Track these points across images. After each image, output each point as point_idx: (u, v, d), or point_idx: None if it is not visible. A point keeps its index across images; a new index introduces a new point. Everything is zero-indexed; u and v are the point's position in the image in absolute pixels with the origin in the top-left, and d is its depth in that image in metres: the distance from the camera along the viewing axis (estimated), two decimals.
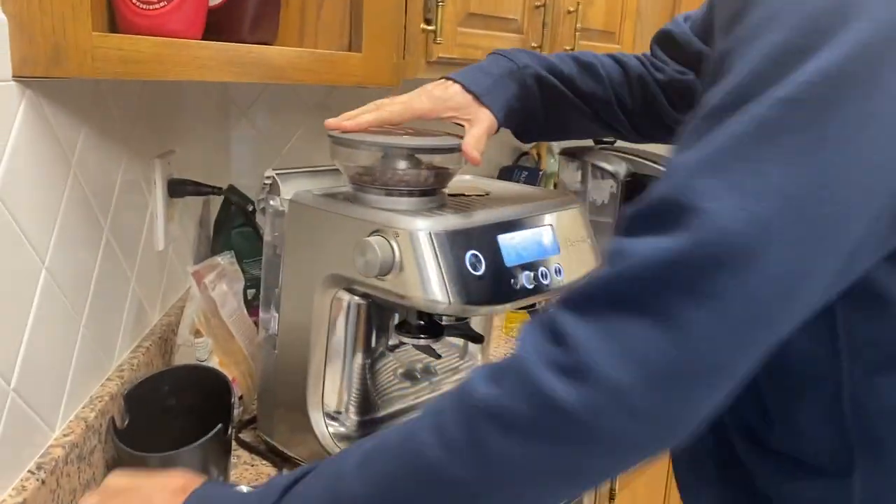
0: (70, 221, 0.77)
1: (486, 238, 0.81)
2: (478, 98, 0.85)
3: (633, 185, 1.66)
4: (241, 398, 1.03)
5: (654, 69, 0.94)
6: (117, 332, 0.92)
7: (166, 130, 1.11)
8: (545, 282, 0.86)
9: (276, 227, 0.92)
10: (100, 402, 0.83)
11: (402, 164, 0.84)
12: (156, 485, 0.68)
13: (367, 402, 0.92)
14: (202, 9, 0.81)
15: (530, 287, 0.83)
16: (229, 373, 1.01)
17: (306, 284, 0.88)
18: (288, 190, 0.92)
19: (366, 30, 0.93)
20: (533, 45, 1.46)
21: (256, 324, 1.27)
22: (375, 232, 0.78)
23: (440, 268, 0.76)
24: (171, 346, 1.07)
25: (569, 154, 1.73)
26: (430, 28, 1.06)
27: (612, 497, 1.31)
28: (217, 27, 0.84)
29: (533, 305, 0.91)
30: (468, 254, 0.79)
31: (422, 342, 0.87)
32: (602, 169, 1.67)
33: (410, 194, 0.84)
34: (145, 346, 0.99)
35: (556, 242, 0.89)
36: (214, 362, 0.99)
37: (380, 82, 0.96)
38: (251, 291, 1.30)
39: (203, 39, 0.82)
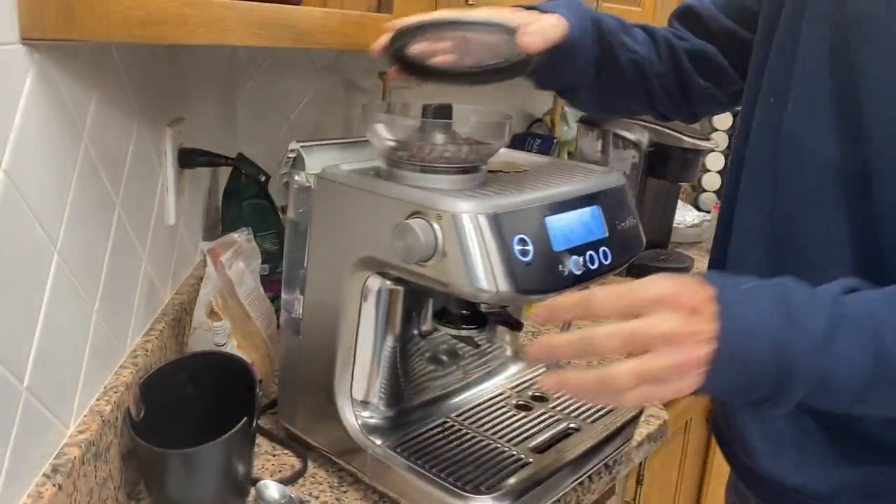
0: (81, 198, 0.71)
1: (533, 220, 0.75)
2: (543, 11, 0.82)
3: (657, 155, 1.60)
4: (260, 382, 0.97)
5: (677, 37, 0.95)
6: (130, 315, 0.86)
7: (175, 96, 1.03)
8: (593, 267, 0.80)
9: (301, 203, 0.86)
10: (115, 392, 0.77)
11: (441, 138, 0.77)
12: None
13: (397, 390, 0.87)
14: None
15: (578, 273, 0.77)
16: (248, 356, 0.95)
17: (335, 267, 0.82)
18: (313, 164, 0.85)
19: None
20: None
21: (275, 296, 1.21)
22: (415, 214, 0.72)
23: (487, 253, 0.70)
24: (184, 327, 1.01)
25: (588, 122, 1.66)
26: None
27: (639, 481, 1.27)
28: None
29: None
30: (515, 238, 0.72)
31: (464, 333, 0.82)
32: (623, 138, 1.61)
33: (449, 172, 0.77)
34: (158, 328, 0.92)
35: (603, 223, 0.83)
36: (232, 346, 0.93)
37: None
38: (264, 267, 1.24)
39: None
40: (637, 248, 0.88)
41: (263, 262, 1.23)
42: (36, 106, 0.61)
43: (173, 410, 0.83)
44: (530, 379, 1.00)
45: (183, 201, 1.04)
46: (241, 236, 0.99)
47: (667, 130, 1.59)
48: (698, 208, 2.16)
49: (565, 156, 2.01)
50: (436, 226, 0.71)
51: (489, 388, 0.96)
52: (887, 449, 0.70)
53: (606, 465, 0.92)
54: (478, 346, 0.89)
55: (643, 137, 1.59)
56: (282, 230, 1.23)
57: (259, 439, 0.93)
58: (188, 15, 0.66)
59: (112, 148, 0.79)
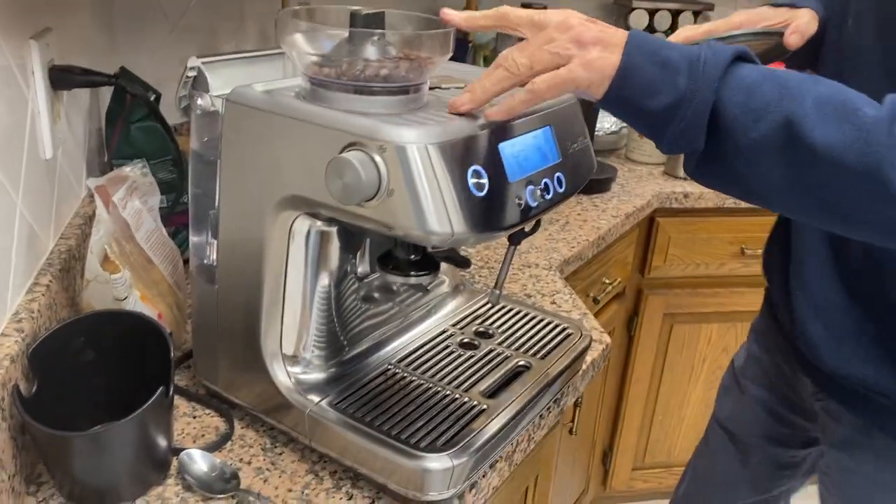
0: None
1: (486, 148, 0.66)
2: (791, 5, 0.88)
3: None
4: (170, 335, 0.86)
5: None
6: (7, 272, 0.72)
7: (36, 1, 0.85)
8: (548, 196, 0.72)
9: (206, 131, 0.73)
10: None
11: (374, 52, 0.66)
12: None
13: (332, 340, 0.78)
14: None
15: (534, 205, 0.69)
16: (154, 307, 0.84)
17: (254, 207, 0.70)
18: (218, 83, 0.72)
19: None
20: None
21: (176, 229, 1.08)
22: (352, 146, 0.61)
23: (439, 190, 0.60)
24: (75, 277, 0.88)
25: None
26: None
27: (577, 404, 1.25)
28: None
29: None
30: (470, 170, 0.63)
31: (413, 281, 0.72)
32: None
33: (386, 93, 0.66)
34: (44, 282, 0.79)
35: (556, 147, 0.75)
36: (135, 297, 0.81)
37: None
38: (161, 199, 1.09)
39: None
40: (589, 172, 0.81)
41: (161, 194, 1.09)
42: None
43: (72, 380, 0.72)
44: (473, 313, 0.93)
45: (60, 129, 0.89)
46: (135, 169, 0.84)
47: None
48: None
49: (482, 62, 1.90)
50: (378, 159, 0.60)
51: (431, 326, 0.89)
52: None
53: (556, 400, 0.87)
54: (428, 291, 0.81)
55: None
56: (179, 156, 1.09)
57: (175, 399, 0.83)
58: None
59: None
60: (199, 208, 0.77)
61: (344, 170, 0.60)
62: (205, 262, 0.77)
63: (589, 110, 1.69)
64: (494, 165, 0.66)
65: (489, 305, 0.95)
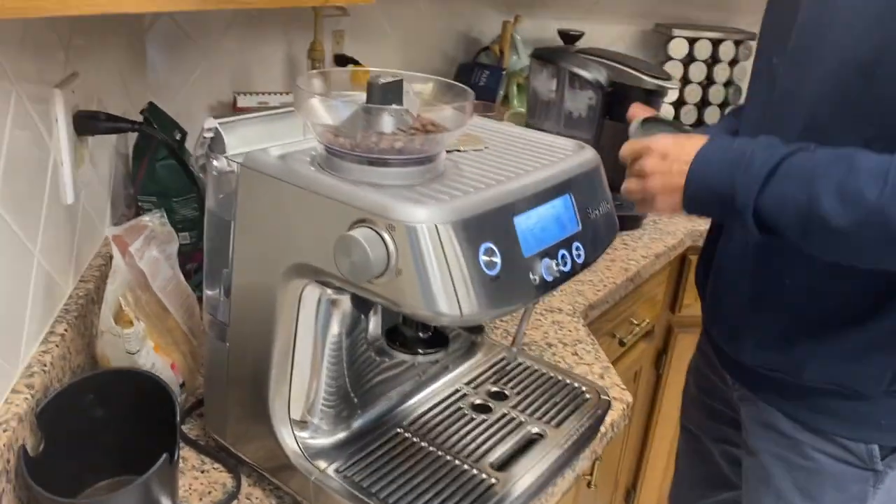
0: None
1: (500, 222, 0.64)
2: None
3: (615, 96, 1.48)
4: (182, 385, 0.85)
5: None
6: (21, 326, 0.73)
7: (64, 46, 0.86)
8: (565, 269, 0.70)
9: (221, 189, 0.72)
10: (4, 430, 0.65)
11: (390, 123, 0.64)
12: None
13: (341, 404, 0.77)
14: None
15: (550, 280, 0.67)
16: (167, 356, 0.83)
17: (265, 271, 0.69)
18: (235, 142, 0.71)
19: None
20: None
21: (198, 267, 1.08)
22: (361, 222, 0.60)
23: (448, 271, 0.59)
24: (92, 320, 0.88)
25: (542, 58, 1.53)
26: None
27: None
28: None
29: None
30: (482, 247, 0.61)
31: (421, 359, 0.71)
32: (580, 77, 1.48)
33: (400, 164, 0.65)
34: (60, 331, 0.79)
35: (576, 215, 0.73)
36: (149, 348, 0.80)
37: None
38: (184, 236, 1.10)
39: None
40: (611, 237, 0.79)
41: (184, 231, 1.10)
42: None
43: (81, 437, 0.72)
44: (489, 369, 0.91)
45: (83, 173, 0.89)
46: (154, 219, 0.84)
47: (626, 69, 1.47)
48: None
49: (514, 88, 1.88)
50: (387, 237, 0.59)
51: (445, 384, 0.87)
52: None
53: (571, 467, 0.85)
54: (436, 361, 0.79)
55: (601, 76, 1.47)
56: (202, 191, 1.09)
57: (185, 451, 0.82)
58: None
59: None
60: (213, 263, 0.77)
61: (352, 248, 0.59)
62: (218, 317, 0.76)
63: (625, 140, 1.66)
64: (508, 241, 0.64)
65: (506, 362, 0.93)
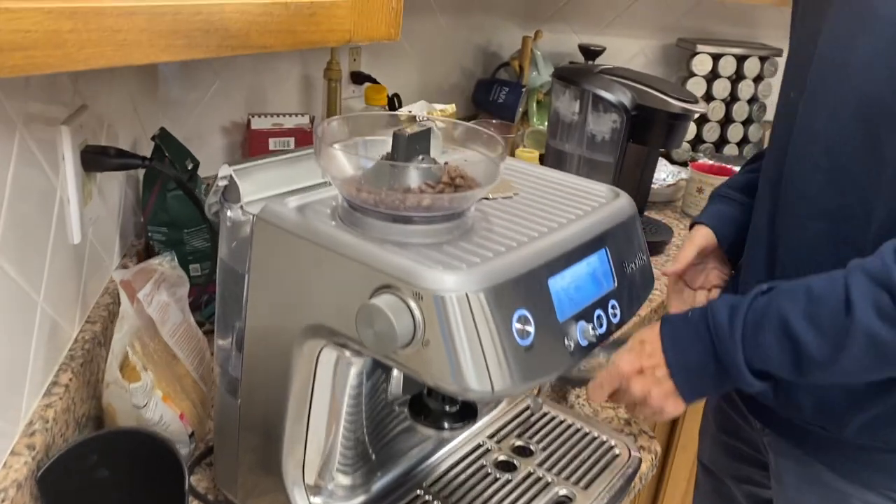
0: None
1: (534, 286, 0.59)
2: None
3: (639, 119, 1.43)
4: (192, 434, 0.81)
5: None
6: (23, 379, 0.69)
7: (71, 78, 0.82)
8: (601, 330, 0.65)
9: (235, 237, 0.68)
10: (3, 501, 0.61)
11: (417, 178, 0.60)
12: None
13: (359, 466, 0.72)
14: None
15: (585, 344, 0.63)
16: (176, 406, 0.79)
17: (280, 329, 0.65)
18: (251, 188, 0.67)
19: None
20: None
21: (210, 298, 1.04)
22: (386, 288, 0.56)
23: (479, 343, 0.55)
24: (99, 364, 0.84)
25: (564, 79, 1.48)
26: None
27: None
28: None
29: None
30: (515, 315, 0.57)
31: (447, 434, 0.67)
32: (604, 100, 1.43)
33: (429, 221, 0.60)
34: (64, 381, 0.75)
35: (612, 270, 0.68)
36: (156, 399, 0.76)
37: (376, 36, 0.70)
38: (195, 267, 1.06)
39: None
40: (648, 291, 0.74)
41: (195, 262, 1.06)
42: None
43: (85, 499, 0.68)
44: (512, 420, 0.87)
45: (91, 209, 0.85)
46: (164, 262, 0.80)
47: (651, 91, 1.42)
48: (671, 160, 2.02)
49: (534, 105, 1.83)
50: (414, 306, 0.55)
51: (467, 438, 0.83)
52: None
53: None
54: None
55: (625, 99, 1.42)
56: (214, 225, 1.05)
57: None
58: (66, 32, 0.47)
59: None
60: (226, 313, 0.73)
61: (375, 318, 0.54)
62: (229, 372, 0.72)
63: (648, 163, 1.61)
64: (542, 305, 0.60)
65: (530, 412, 0.89)
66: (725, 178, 1.72)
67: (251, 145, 1.27)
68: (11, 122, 0.65)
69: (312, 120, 1.31)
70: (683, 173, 1.83)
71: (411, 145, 0.61)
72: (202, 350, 0.86)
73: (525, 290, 0.58)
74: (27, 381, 0.70)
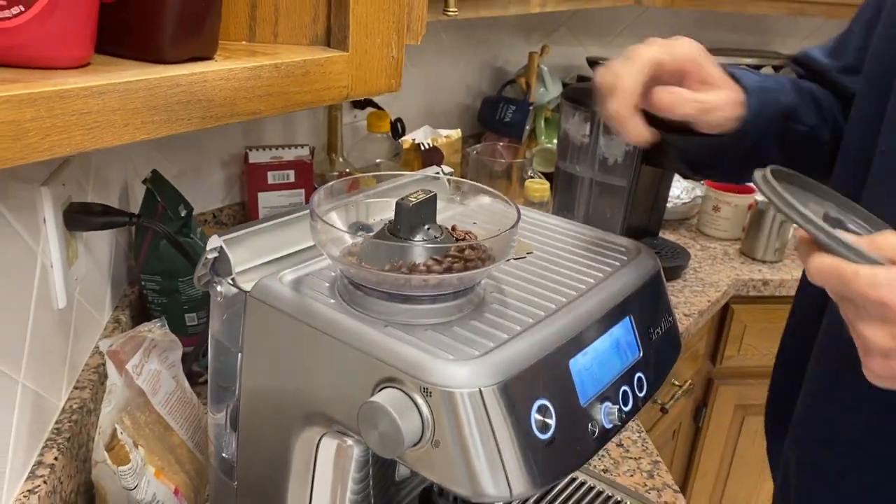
0: None
1: (554, 371, 0.54)
2: (737, 81, 0.70)
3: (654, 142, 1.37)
4: None
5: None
6: (3, 464, 0.64)
7: None
8: (626, 409, 0.60)
9: (226, 310, 0.63)
10: None
11: (422, 254, 0.55)
12: None
13: None
14: (89, 11, 0.48)
15: (609, 427, 0.57)
16: (170, 481, 0.74)
17: (277, 414, 0.60)
18: (242, 257, 0.62)
19: (354, 11, 0.61)
20: None
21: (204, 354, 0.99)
22: (390, 381, 0.50)
23: (495, 443, 0.49)
24: (89, 431, 0.79)
25: (574, 100, 1.42)
26: None
27: None
28: (117, 36, 0.51)
29: None
30: (534, 407, 0.52)
31: None
32: None
33: (437, 300, 0.55)
34: (49, 461, 0.70)
35: (637, 339, 0.63)
36: (148, 476, 0.71)
37: (377, 90, 0.65)
38: (191, 317, 1.01)
39: (98, 54, 0.49)
40: (675, 358, 0.69)
41: (191, 311, 1.01)
42: None
43: None
44: None
45: (77, 269, 0.80)
46: (155, 329, 0.75)
47: None
48: (684, 175, 1.96)
49: (542, 122, 1.77)
50: (421, 402, 0.49)
51: None
52: None
53: None
54: None
55: None
56: None
57: None
58: (29, 122, 0.41)
59: None
60: (219, 388, 0.67)
61: (379, 419, 0.49)
62: (223, 454, 0.67)
63: (663, 183, 1.55)
64: (564, 391, 0.54)
65: None
66: (742, 195, 1.67)
67: (249, 179, 1.22)
68: None
69: (312, 151, 1.26)
70: (698, 189, 1.77)
71: (416, 216, 0.55)
72: (198, 416, 0.81)
73: (544, 376, 0.53)
74: (7, 465, 0.65)
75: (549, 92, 1.76)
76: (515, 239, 0.56)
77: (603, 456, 0.96)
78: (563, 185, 1.50)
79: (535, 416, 0.51)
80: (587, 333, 0.58)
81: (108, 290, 0.97)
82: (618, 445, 1.00)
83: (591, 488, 0.82)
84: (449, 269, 0.54)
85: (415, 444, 0.50)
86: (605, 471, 0.95)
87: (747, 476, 1.73)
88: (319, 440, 0.59)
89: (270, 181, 1.22)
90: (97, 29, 0.49)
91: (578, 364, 0.56)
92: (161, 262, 0.97)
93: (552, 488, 0.82)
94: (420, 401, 0.49)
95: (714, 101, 0.68)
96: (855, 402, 0.72)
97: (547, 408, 0.52)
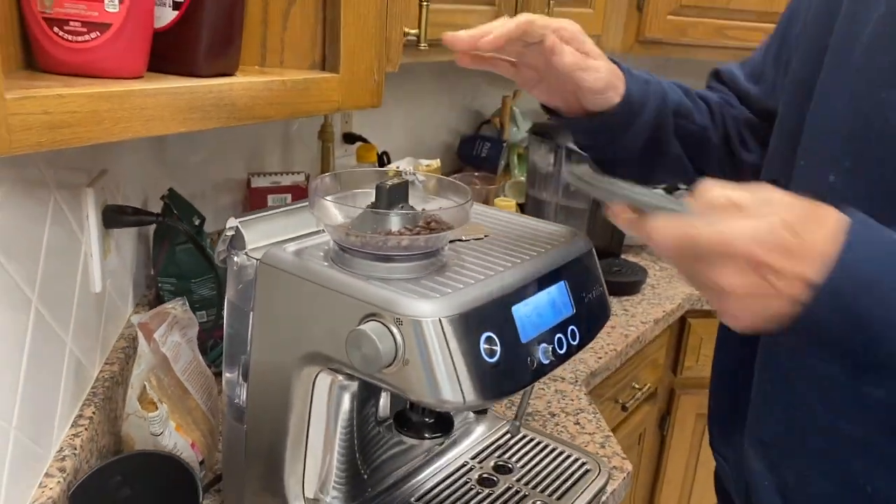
0: None
1: (499, 313, 0.69)
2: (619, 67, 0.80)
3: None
4: (202, 462, 0.90)
5: (728, 105, 0.93)
6: (54, 412, 0.78)
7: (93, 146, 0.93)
8: (561, 352, 0.75)
9: (241, 281, 0.78)
10: None
11: (397, 222, 0.70)
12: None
13: (354, 480, 0.81)
14: (146, 36, 0.64)
15: (546, 363, 0.72)
16: (188, 436, 0.88)
17: (281, 359, 0.75)
18: (255, 237, 0.77)
19: (344, 43, 0.78)
20: (506, 16, 1.31)
21: (215, 343, 1.13)
22: (371, 316, 0.65)
23: (452, 361, 0.64)
24: (117, 402, 0.93)
25: (540, 133, 1.61)
26: (412, 32, 0.91)
27: None
28: (164, 56, 0.67)
29: None
30: (482, 337, 0.67)
31: (427, 443, 0.76)
32: (575, 152, 1.55)
33: (408, 259, 0.71)
34: (88, 414, 0.84)
35: (570, 299, 0.78)
36: (171, 428, 0.85)
37: (361, 105, 0.81)
38: (201, 314, 1.16)
39: (150, 72, 0.66)
40: (604, 320, 0.84)
41: (202, 309, 1.15)
42: None
43: None
44: (493, 443, 0.95)
45: (109, 262, 0.95)
46: (177, 306, 0.90)
47: None
48: None
49: (515, 158, 1.95)
50: (395, 331, 0.64)
51: (451, 459, 0.91)
52: None
53: None
54: (442, 443, 0.84)
55: None
56: (218, 274, 1.15)
57: None
58: (104, 111, 0.57)
59: (25, 239, 0.70)
60: (233, 348, 0.82)
61: (362, 342, 0.64)
62: (235, 401, 0.81)
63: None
64: (507, 329, 0.69)
65: (509, 436, 0.97)
66: None
67: (251, 202, 1.38)
68: (47, 188, 0.76)
69: (307, 177, 1.42)
70: None
71: (392, 195, 0.71)
72: (210, 386, 0.95)
73: (491, 315, 0.68)
74: (57, 412, 0.79)
75: (520, 131, 1.94)
76: (469, 211, 0.72)
77: (561, 431, 1.10)
78: (532, 209, 1.67)
79: (484, 344, 0.66)
80: (528, 289, 0.73)
81: (131, 289, 1.12)
82: (575, 423, 1.14)
83: (553, 449, 0.96)
84: (417, 234, 0.70)
85: (390, 364, 0.65)
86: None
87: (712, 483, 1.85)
88: (316, 377, 0.73)
89: (270, 203, 1.38)
90: (150, 50, 0.65)
91: (520, 311, 0.71)
92: (177, 267, 1.13)
93: (515, 447, 0.96)
94: (394, 329, 0.64)
95: (592, 63, 0.75)
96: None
97: (493, 338, 0.67)
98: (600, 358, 1.36)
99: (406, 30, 0.91)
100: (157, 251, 1.14)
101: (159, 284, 1.14)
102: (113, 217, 0.92)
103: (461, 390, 0.64)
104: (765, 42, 0.94)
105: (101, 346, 0.94)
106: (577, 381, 1.26)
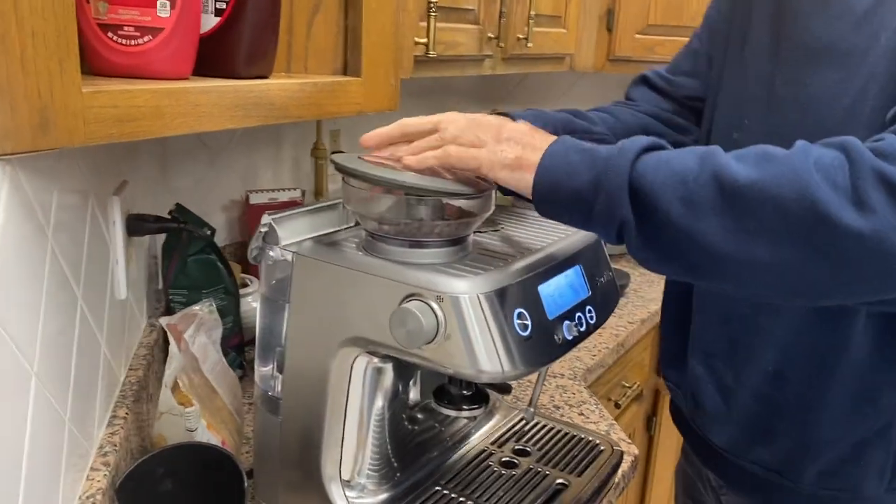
0: (52, 307, 0.65)
1: (528, 291, 0.74)
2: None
3: None
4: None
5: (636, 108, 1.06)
6: (93, 409, 0.80)
7: (119, 158, 0.96)
8: (583, 329, 0.80)
9: (275, 276, 0.82)
10: None
11: (427, 212, 0.75)
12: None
13: (385, 464, 0.84)
14: (194, 39, 0.68)
15: (570, 338, 0.77)
16: (218, 434, 0.90)
17: (318, 346, 0.78)
18: (286, 234, 0.81)
19: (365, 50, 0.83)
20: (490, 35, 1.38)
21: (228, 351, 1.15)
22: (412, 296, 0.70)
23: (490, 334, 0.69)
24: (143, 405, 0.95)
25: None
26: (422, 42, 0.96)
27: None
28: (207, 59, 0.71)
29: None
30: (515, 312, 0.71)
31: (466, 414, 0.80)
32: None
33: (439, 245, 0.75)
34: (122, 414, 0.86)
35: (586, 282, 0.83)
36: (202, 426, 0.88)
37: (381, 107, 0.86)
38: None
39: (192, 75, 0.70)
40: (616, 301, 0.89)
41: None
42: (11, 224, 0.55)
43: None
44: (510, 430, 0.99)
45: (132, 270, 0.98)
46: (204, 308, 0.93)
47: None
48: None
49: None
50: (436, 307, 0.69)
51: (472, 446, 0.95)
52: None
53: None
54: (474, 418, 0.88)
55: None
56: (233, 286, 1.18)
57: None
58: (165, 106, 0.61)
59: (72, 238, 0.73)
60: (266, 343, 0.85)
61: (407, 319, 0.68)
62: (269, 393, 0.84)
63: None
64: (535, 306, 0.74)
65: (524, 422, 1.02)
66: None
67: (250, 218, 1.42)
68: (87, 193, 0.79)
69: (303, 194, 1.46)
70: None
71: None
72: (235, 387, 0.98)
73: (521, 293, 0.73)
74: (96, 412, 0.81)
75: None
76: (493, 200, 0.77)
77: (568, 421, 1.15)
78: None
79: (517, 320, 0.71)
80: (551, 271, 0.78)
81: (145, 301, 1.14)
82: (579, 414, 1.18)
83: (566, 433, 1.01)
84: (447, 221, 0.74)
85: (432, 339, 0.69)
86: None
87: None
88: (354, 360, 0.77)
89: None
90: (196, 54, 0.69)
91: (545, 290, 0.76)
92: (188, 278, 1.15)
93: (531, 432, 1.00)
94: (435, 306, 0.69)
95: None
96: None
97: (524, 314, 0.72)
98: (594, 356, 1.41)
99: (416, 39, 0.96)
100: (167, 264, 1.17)
101: (170, 296, 1.17)
102: (136, 225, 0.95)
103: (500, 360, 0.69)
104: (688, 42, 1.08)
105: (126, 352, 0.96)
106: (575, 378, 1.31)
